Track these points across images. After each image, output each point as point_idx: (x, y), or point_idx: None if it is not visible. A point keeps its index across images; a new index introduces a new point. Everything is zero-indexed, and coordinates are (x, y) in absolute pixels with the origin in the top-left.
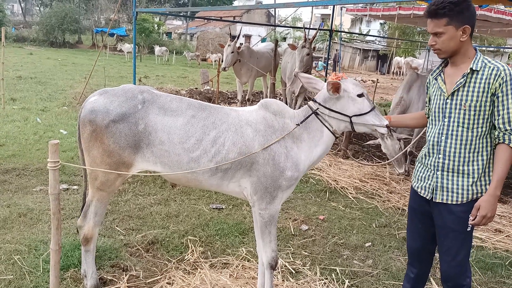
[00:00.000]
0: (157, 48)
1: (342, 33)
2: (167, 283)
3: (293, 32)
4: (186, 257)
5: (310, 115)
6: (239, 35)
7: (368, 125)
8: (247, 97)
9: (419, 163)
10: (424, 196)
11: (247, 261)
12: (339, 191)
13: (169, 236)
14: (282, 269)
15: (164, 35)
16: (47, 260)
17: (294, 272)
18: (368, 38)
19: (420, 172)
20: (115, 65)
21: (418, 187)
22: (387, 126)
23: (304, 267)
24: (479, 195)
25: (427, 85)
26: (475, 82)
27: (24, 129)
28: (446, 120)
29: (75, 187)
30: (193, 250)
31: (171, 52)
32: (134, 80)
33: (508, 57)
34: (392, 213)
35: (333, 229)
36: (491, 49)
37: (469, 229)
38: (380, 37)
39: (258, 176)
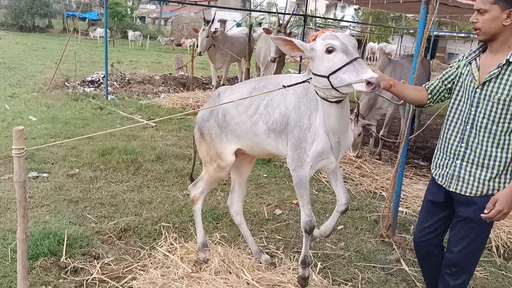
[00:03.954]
0: (130, 33)
1: (317, 19)
2: (140, 270)
3: (268, 17)
4: (159, 244)
5: (301, 82)
6: (213, 19)
7: (345, 84)
8: (221, 83)
9: (438, 150)
10: (441, 183)
11: (221, 246)
12: (313, 176)
13: (142, 223)
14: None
15: (138, 19)
16: (16, 250)
17: (268, 255)
18: (342, 23)
19: (439, 159)
20: (87, 50)
21: (436, 175)
22: (369, 83)
23: (278, 251)
24: (496, 191)
25: (456, 65)
26: (509, 75)
27: None
28: (473, 109)
29: (45, 174)
30: (166, 237)
31: (145, 37)
32: (105, 66)
33: (478, 43)
34: (364, 196)
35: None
36: (462, 35)
37: (488, 221)
38: (355, 22)
39: (289, 138)
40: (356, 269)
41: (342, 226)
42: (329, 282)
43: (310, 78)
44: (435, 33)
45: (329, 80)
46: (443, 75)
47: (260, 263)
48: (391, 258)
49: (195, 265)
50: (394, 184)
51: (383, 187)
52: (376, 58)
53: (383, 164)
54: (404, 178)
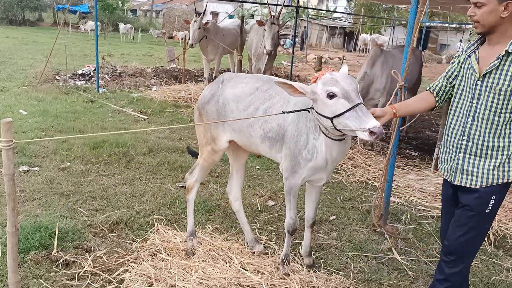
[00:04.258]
0: (121, 26)
1: (309, 10)
2: (132, 262)
3: (261, 8)
4: (151, 236)
5: (302, 110)
6: (205, 11)
7: (347, 129)
8: (214, 75)
9: (442, 145)
10: (447, 178)
11: (213, 238)
12: None
13: (134, 216)
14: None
15: (129, 12)
16: (6, 243)
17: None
18: (335, 15)
19: (443, 154)
20: (78, 43)
21: (442, 169)
22: (372, 132)
23: (270, 242)
24: (501, 181)
25: (457, 60)
26: (509, 66)
27: None
28: (474, 101)
29: (35, 168)
30: (158, 229)
31: (136, 29)
32: (96, 59)
33: (470, 34)
34: (356, 186)
35: (299, 203)
36: (454, 25)
37: (488, 210)
38: (347, 13)
39: (285, 148)
40: (348, 259)
41: (335, 217)
42: (322, 272)
43: (311, 108)
44: (427, 24)
45: (332, 122)
46: (446, 73)
47: (254, 253)
48: (382, 247)
49: (186, 255)
50: (385, 174)
51: (375, 177)
52: (369, 49)
53: (375, 155)
54: (396, 169)
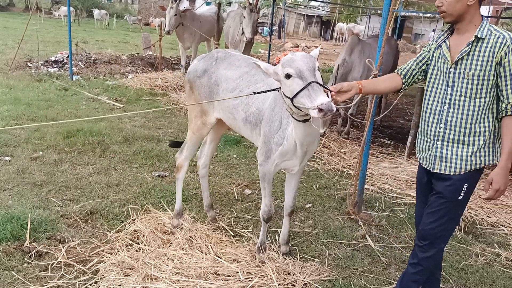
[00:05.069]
0: (96, 12)
1: None
2: (107, 252)
3: None
4: (126, 226)
5: (272, 90)
6: None
7: (303, 107)
8: (190, 63)
9: (419, 134)
10: (426, 167)
11: (189, 224)
12: None
13: (109, 205)
14: (225, 231)
15: None
16: None
17: (237, 235)
18: (312, 3)
19: (421, 143)
20: (51, 29)
21: (420, 158)
22: (320, 110)
23: (247, 230)
24: (478, 166)
25: (427, 48)
26: (479, 51)
27: None
28: (449, 89)
29: (7, 158)
30: (134, 219)
31: (111, 16)
32: (70, 45)
33: (443, 24)
34: (332, 175)
35: (276, 192)
36: (428, 15)
37: (460, 198)
38: (324, 2)
39: (261, 133)
40: (323, 246)
41: (310, 205)
42: (297, 259)
43: (280, 88)
44: (402, 13)
45: (292, 102)
46: (417, 57)
47: (226, 239)
48: (357, 234)
49: (172, 228)
50: (360, 162)
51: (350, 165)
52: (345, 38)
53: (350, 144)
54: (370, 157)
